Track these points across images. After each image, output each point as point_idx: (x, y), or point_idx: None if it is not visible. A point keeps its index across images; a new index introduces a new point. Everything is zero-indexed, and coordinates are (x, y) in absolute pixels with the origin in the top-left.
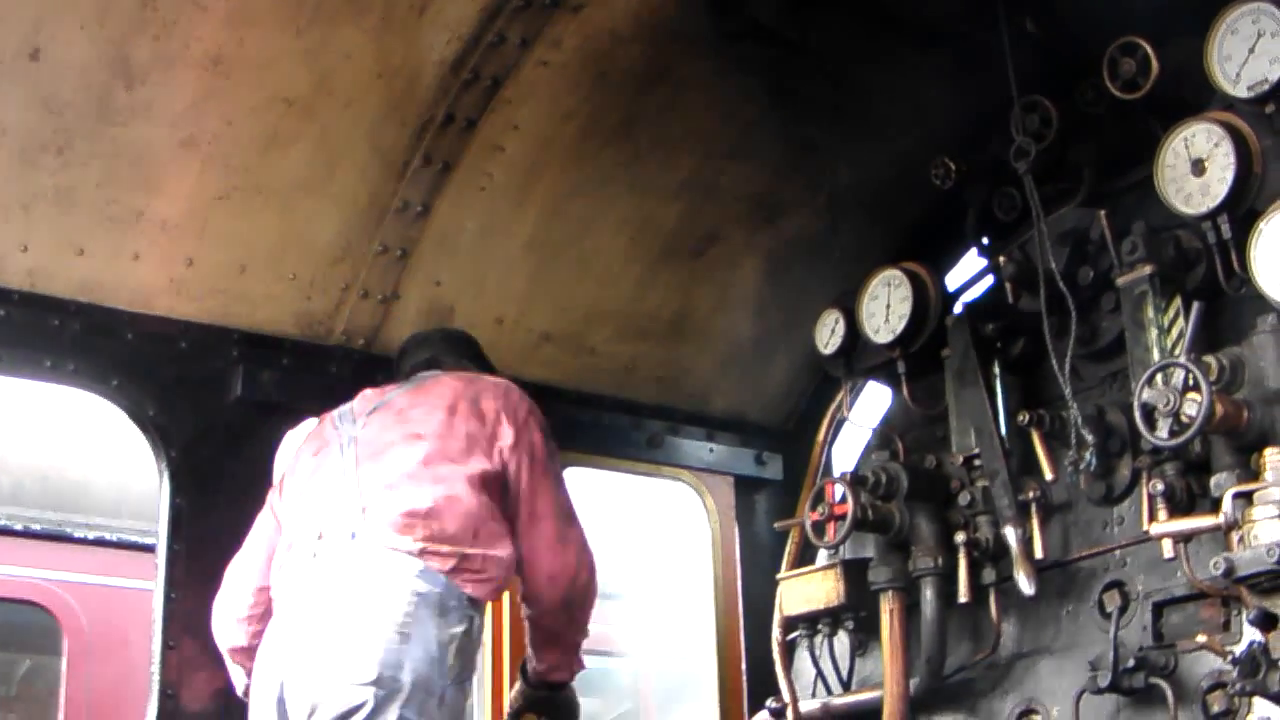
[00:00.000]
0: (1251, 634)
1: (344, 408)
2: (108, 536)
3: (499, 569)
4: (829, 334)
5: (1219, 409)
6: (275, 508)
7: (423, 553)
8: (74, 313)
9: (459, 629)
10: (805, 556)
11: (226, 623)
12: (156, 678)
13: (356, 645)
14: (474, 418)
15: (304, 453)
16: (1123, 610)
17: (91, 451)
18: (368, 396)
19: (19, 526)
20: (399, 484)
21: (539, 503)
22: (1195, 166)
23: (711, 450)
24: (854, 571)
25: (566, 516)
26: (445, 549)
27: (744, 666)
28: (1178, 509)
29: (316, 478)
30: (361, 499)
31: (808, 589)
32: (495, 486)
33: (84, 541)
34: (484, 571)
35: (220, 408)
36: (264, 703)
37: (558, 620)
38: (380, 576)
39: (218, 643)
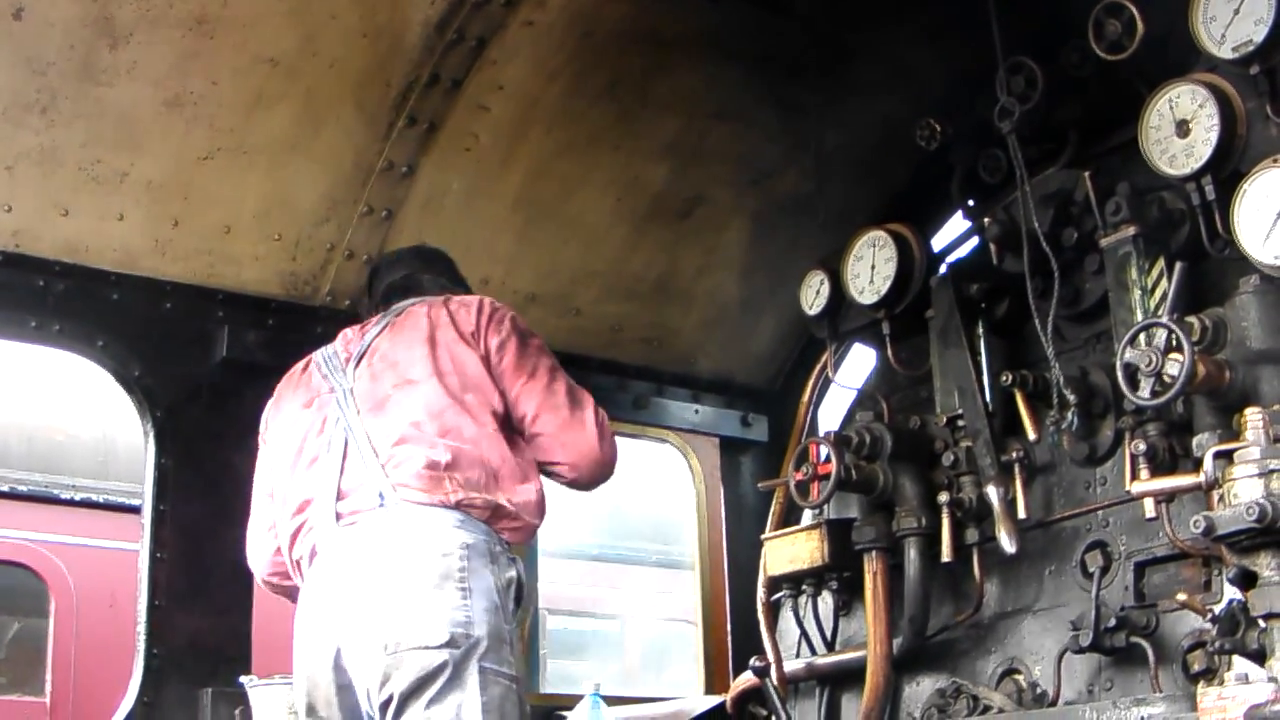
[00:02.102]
0: (1231, 592)
1: (328, 350)
2: (94, 498)
3: (530, 513)
4: (814, 295)
5: (1201, 369)
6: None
7: (459, 504)
8: (59, 273)
9: (511, 573)
10: (790, 517)
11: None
12: (143, 638)
13: (423, 609)
14: (457, 344)
15: (291, 404)
16: (1105, 570)
17: (77, 412)
18: (349, 337)
19: (5, 488)
20: (410, 437)
21: (541, 401)
22: (1180, 128)
23: (697, 411)
24: (838, 532)
25: (572, 405)
26: (479, 499)
27: (729, 626)
28: (1160, 469)
29: (316, 435)
30: (379, 457)
31: (792, 549)
32: (500, 414)
33: (70, 503)
34: (518, 518)
35: (206, 368)
36: (315, 665)
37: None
38: (426, 534)
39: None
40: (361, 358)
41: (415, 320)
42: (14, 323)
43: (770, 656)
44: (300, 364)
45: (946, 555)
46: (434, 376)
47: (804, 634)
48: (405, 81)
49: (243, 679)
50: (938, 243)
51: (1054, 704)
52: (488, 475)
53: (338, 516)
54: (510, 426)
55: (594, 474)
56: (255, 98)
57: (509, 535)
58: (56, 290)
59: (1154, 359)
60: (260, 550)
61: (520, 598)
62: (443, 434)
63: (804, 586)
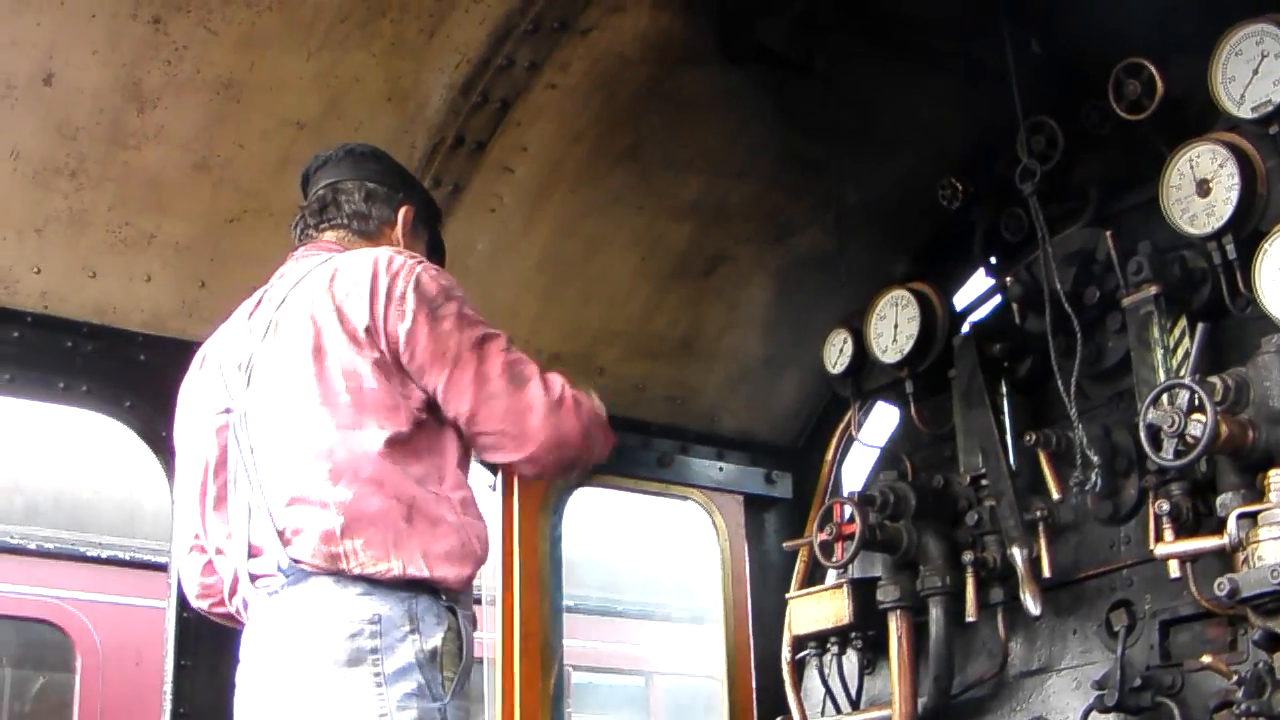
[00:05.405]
0: (1257, 654)
1: (234, 330)
2: (120, 555)
3: (452, 563)
4: (837, 354)
5: (1224, 429)
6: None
7: (361, 578)
8: (87, 334)
9: (438, 635)
10: (815, 576)
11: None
12: (169, 695)
13: (335, 708)
14: (348, 352)
15: (194, 407)
16: (1130, 629)
17: (104, 472)
18: (255, 301)
19: (33, 546)
20: (302, 496)
21: (474, 395)
22: (1200, 187)
23: (721, 469)
24: (862, 591)
25: (511, 386)
26: (384, 568)
27: (754, 685)
28: (1184, 529)
29: (216, 469)
30: (274, 521)
31: (816, 608)
32: (420, 419)
33: (97, 560)
34: (435, 564)
35: None
36: None
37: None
38: (330, 613)
39: None
40: (253, 367)
41: (299, 319)
42: (43, 383)
43: (795, 716)
44: (204, 350)
45: (971, 614)
46: (323, 405)
47: (829, 693)
48: (430, 144)
49: None
50: (960, 301)
51: None
52: (394, 530)
53: (252, 578)
54: (438, 421)
55: (561, 462)
56: (281, 160)
57: (439, 581)
58: (85, 351)
59: (1177, 419)
60: (189, 579)
61: (458, 653)
62: (336, 478)
63: (829, 645)
